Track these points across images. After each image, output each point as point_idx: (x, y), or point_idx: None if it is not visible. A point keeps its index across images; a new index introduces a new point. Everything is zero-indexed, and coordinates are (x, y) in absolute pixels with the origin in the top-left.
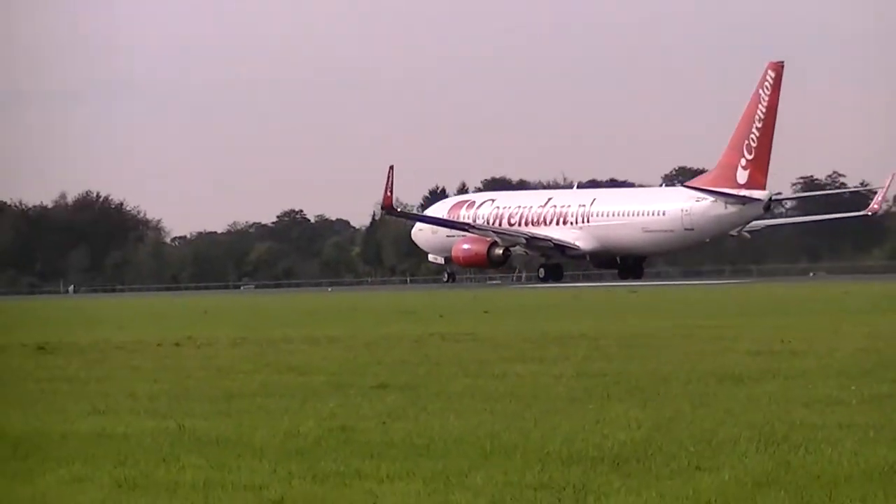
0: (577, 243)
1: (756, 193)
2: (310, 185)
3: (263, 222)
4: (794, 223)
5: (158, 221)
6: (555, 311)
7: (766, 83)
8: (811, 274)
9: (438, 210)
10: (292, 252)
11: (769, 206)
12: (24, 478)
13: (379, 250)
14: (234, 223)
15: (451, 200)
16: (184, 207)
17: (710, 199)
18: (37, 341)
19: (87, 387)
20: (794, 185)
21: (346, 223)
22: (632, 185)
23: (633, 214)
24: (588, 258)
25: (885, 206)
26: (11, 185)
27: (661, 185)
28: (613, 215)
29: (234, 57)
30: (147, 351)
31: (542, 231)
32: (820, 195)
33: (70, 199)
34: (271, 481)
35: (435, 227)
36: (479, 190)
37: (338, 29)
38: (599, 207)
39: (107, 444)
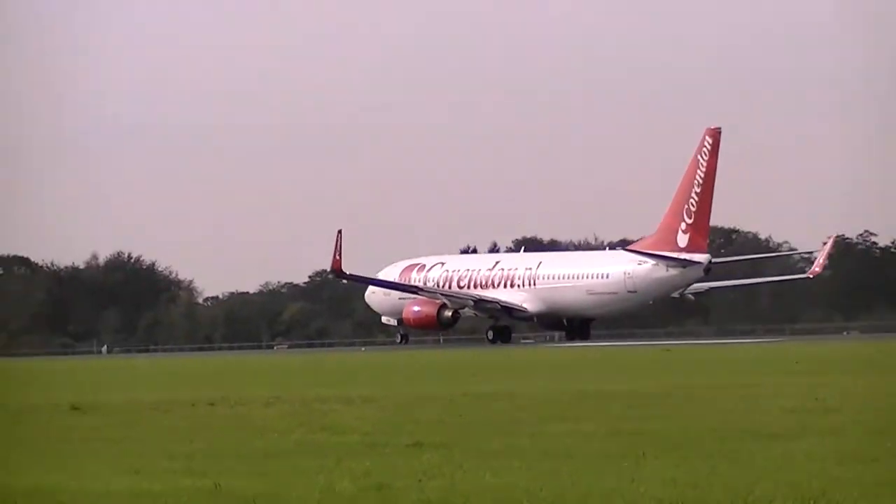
0: (525, 305)
1: (696, 256)
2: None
3: (295, 282)
4: (739, 285)
5: (190, 282)
6: (588, 369)
7: (705, 149)
8: (845, 333)
9: (390, 273)
10: (325, 312)
11: (709, 269)
12: None
13: None
14: (266, 283)
15: (403, 264)
16: (215, 268)
17: (652, 262)
18: (71, 401)
19: (122, 446)
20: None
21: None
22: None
23: (577, 277)
24: (535, 320)
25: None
26: (44, 247)
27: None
28: (559, 278)
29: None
30: (181, 410)
31: (490, 293)
32: (759, 258)
33: (101, 259)
34: None
35: (387, 290)
36: (510, 250)
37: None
38: (545, 270)
39: (143, 503)
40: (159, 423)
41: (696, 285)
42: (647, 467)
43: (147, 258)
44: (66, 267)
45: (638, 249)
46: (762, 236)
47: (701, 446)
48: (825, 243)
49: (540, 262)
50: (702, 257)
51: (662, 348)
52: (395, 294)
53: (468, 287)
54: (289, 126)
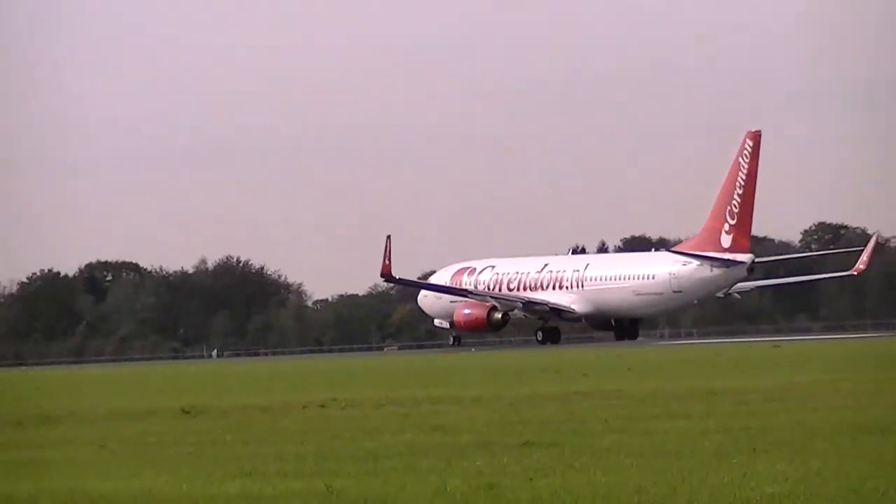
0: (573, 306)
1: (739, 256)
2: (451, 244)
3: None
4: (786, 283)
5: (300, 285)
6: (697, 367)
7: (745, 151)
8: None
9: (441, 277)
10: None
11: (752, 269)
12: None
13: None
14: (375, 286)
15: (454, 267)
16: (325, 271)
17: (696, 262)
18: (181, 405)
19: (233, 449)
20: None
21: None
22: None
23: (624, 278)
24: (584, 321)
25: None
26: (153, 252)
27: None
28: (606, 279)
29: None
30: (292, 413)
31: (539, 295)
32: (799, 257)
33: (210, 264)
34: None
35: (439, 293)
36: (619, 249)
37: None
38: (593, 272)
39: None
40: (270, 426)
41: (741, 285)
42: (758, 463)
43: (256, 262)
44: (176, 272)
45: (682, 251)
46: (870, 231)
47: (812, 442)
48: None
49: (587, 264)
50: (745, 257)
51: (772, 344)
52: (447, 297)
53: (518, 289)
54: (390, 127)
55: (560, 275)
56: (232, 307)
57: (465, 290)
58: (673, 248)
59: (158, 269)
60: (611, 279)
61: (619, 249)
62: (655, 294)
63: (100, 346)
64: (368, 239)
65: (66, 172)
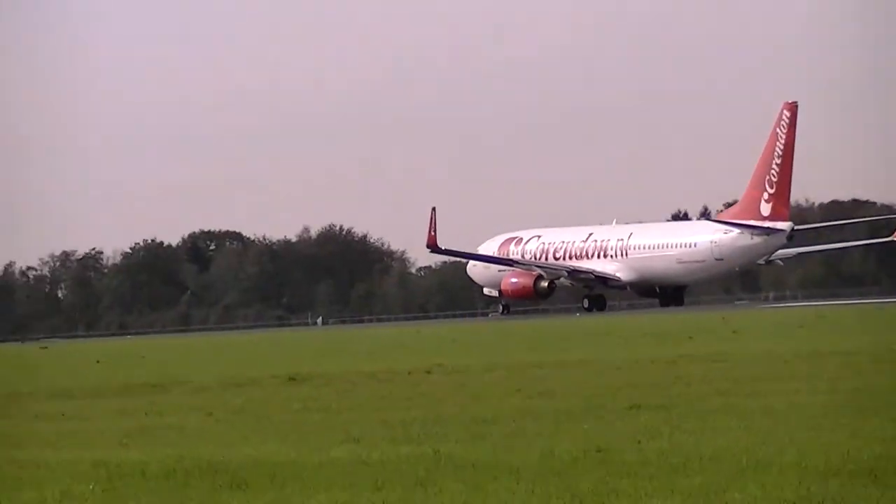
0: (618, 275)
1: (779, 224)
2: (557, 207)
3: None
4: (824, 250)
5: (403, 252)
6: (802, 329)
7: (783, 122)
8: None
9: (489, 247)
10: None
11: (791, 237)
12: None
13: None
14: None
15: (501, 237)
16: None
17: (737, 230)
18: (288, 372)
19: (339, 416)
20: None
21: None
22: None
23: (667, 247)
24: (629, 288)
25: None
26: (256, 221)
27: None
28: (649, 248)
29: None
30: (398, 379)
31: (584, 264)
32: (843, 224)
33: (314, 232)
34: (529, 502)
35: (487, 263)
36: (720, 212)
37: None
38: (637, 241)
39: (363, 471)
40: (377, 392)
41: (783, 251)
42: (866, 424)
43: (359, 230)
44: (279, 240)
45: (723, 220)
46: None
47: None
48: None
49: (631, 233)
50: (784, 225)
51: (875, 306)
52: (495, 267)
53: (563, 258)
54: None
55: (605, 244)
56: (335, 275)
57: (511, 259)
58: (715, 217)
59: (262, 238)
60: (654, 248)
61: (719, 213)
62: (697, 262)
63: (204, 315)
64: (471, 204)
65: (168, 144)
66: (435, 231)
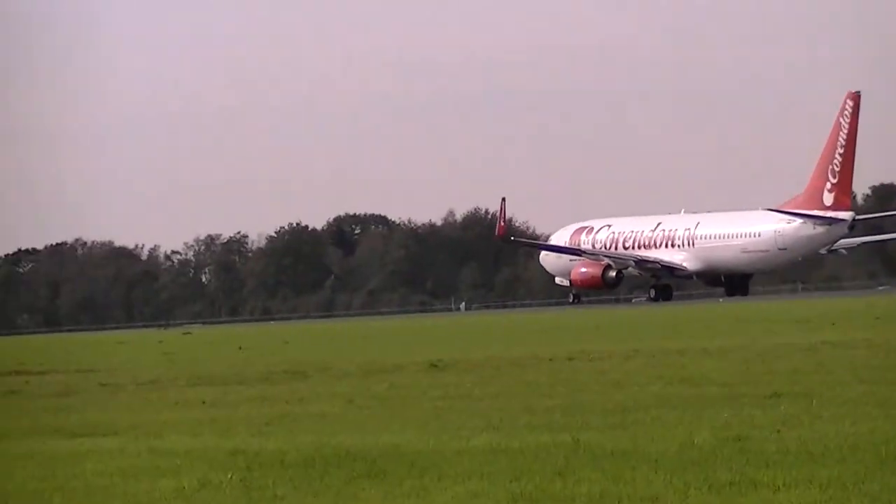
0: (685, 264)
1: (841, 214)
2: (709, 187)
3: None
4: (889, 239)
5: (548, 236)
6: None
7: (846, 112)
8: None
9: (561, 236)
10: None
11: (853, 226)
12: (420, 495)
13: None
14: None
15: (573, 227)
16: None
17: (800, 220)
18: (430, 359)
19: (481, 403)
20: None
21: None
22: None
23: (732, 237)
24: (695, 278)
25: None
26: (401, 204)
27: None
28: (715, 237)
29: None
30: (540, 366)
31: (651, 254)
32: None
33: (459, 216)
34: (667, 492)
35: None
36: (867, 196)
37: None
38: (703, 230)
39: (502, 460)
40: (518, 379)
41: (847, 241)
42: None
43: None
44: (424, 224)
45: (787, 210)
46: None
47: None
48: None
49: (698, 223)
50: (846, 215)
51: None
52: (566, 256)
53: (632, 248)
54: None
55: (672, 233)
56: (480, 259)
57: (578, 249)
58: (778, 208)
59: (407, 222)
60: (720, 237)
61: (866, 197)
62: (762, 251)
63: (348, 299)
64: (617, 187)
65: (313, 128)
66: (505, 221)
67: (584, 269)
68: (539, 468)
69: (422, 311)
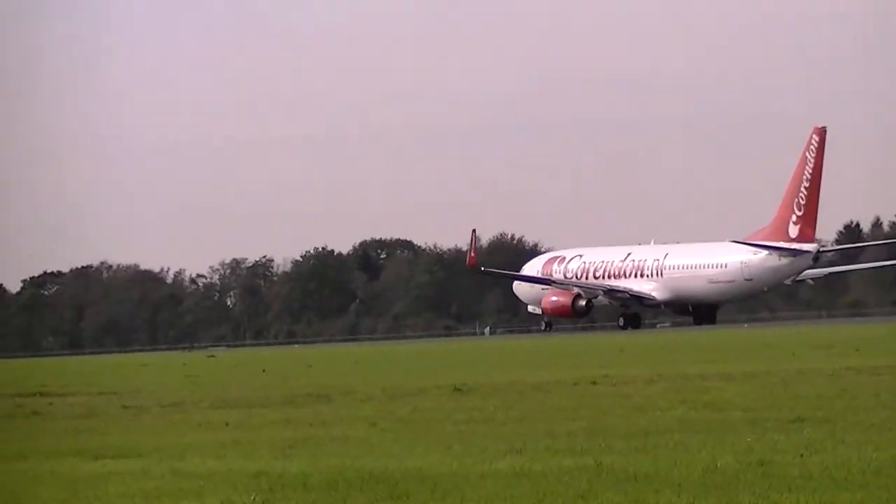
0: (654, 294)
1: (805, 246)
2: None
3: None
4: (851, 270)
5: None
6: None
7: (812, 146)
8: None
9: (534, 266)
10: None
11: (818, 258)
12: None
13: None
14: None
15: (546, 256)
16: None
17: (766, 252)
18: (453, 383)
19: (504, 427)
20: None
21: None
22: None
23: (699, 267)
24: (663, 307)
25: None
26: (426, 230)
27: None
28: (683, 268)
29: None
30: (563, 390)
31: (621, 283)
32: (863, 246)
33: (484, 241)
34: None
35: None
36: (893, 224)
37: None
38: (671, 261)
39: (525, 483)
40: (541, 403)
41: (812, 271)
42: None
43: (529, 238)
44: (449, 249)
45: (753, 242)
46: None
47: None
48: None
49: (667, 254)
50: (810, 246)
51: None
52: (538, 285)
53: (602, 277)
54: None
55: (641, 263)
56: (504, 284)
57: (548, 278)
58: (744, 240)
59: (432, 247)
60: (688, 268)
61: (893, 224)
62: (728, 282)
63: (372, 324)
64: (643, 214)
65: (339, 151)
66: (475, 252)
67: (554, 298)
68: (562, 491)
69: (446, 336)
